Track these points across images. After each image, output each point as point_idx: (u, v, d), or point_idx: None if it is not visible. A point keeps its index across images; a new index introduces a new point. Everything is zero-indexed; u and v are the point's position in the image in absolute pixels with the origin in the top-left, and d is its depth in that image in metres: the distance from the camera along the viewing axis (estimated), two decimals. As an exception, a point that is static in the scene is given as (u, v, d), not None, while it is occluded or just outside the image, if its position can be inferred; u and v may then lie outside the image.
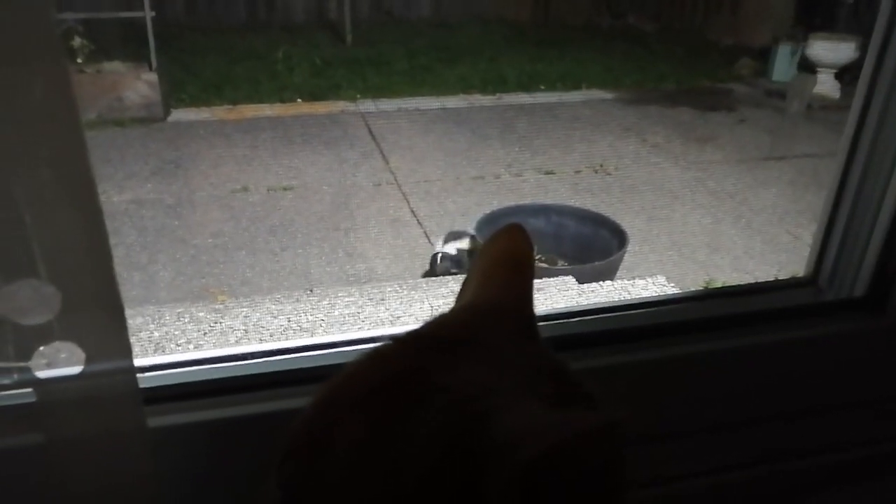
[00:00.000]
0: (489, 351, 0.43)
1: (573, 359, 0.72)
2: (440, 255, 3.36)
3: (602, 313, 0.78)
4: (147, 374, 0.63)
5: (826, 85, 6.44)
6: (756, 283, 0.85)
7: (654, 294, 1.95)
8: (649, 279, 2.08)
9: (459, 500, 0.36)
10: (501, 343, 0.44)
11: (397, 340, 0.44)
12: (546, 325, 0.75)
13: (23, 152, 0.48)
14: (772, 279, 3.72)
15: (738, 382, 0.78)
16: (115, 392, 0.53)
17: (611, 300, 1.88)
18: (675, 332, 0.76)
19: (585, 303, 1.87)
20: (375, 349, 0.43)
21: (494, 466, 0.34)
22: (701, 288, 3.63)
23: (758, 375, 0.79)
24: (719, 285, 3.63)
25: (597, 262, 3.30)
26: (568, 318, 0.78)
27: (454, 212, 4.26)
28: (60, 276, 0.46)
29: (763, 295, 0.84)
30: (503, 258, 0.49)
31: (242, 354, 0.67)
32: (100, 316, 0.49)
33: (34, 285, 0.45)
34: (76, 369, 0.50)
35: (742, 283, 3.68)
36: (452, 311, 0.49)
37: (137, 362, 0.61)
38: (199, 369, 0.64)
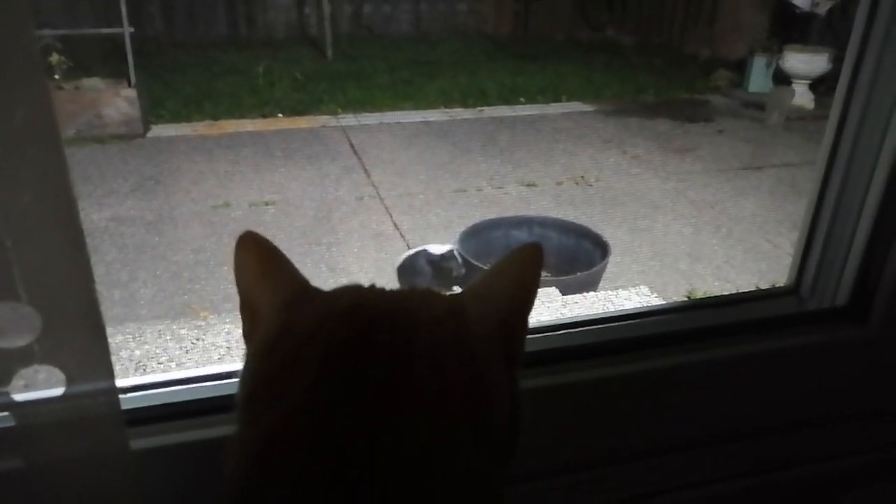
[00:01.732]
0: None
1: (557, 372, 0.73)
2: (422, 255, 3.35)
3: (584, 326, 0.78)
4: (129, 395, 0.62)
5: (801, 96, 6.55)
6: (738, 293, 0.86)
7: (638, 304, 1.96)
8: (632, 289, 2.09)
9: None
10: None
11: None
12: (529, 338, 0.75)
13: (3, 172, 0.47)
14: (753, 288, 3.75)
15: (721, 394, 0.78)
16: (97, 414, 0.52)
17: (594, 311, 1.89)
18: (659, 344, 0.77)
19: (569, 314, 1.87)
20: None
21: None
22: (684, 297, 3.66)
23: (741, 387, 0.79)
24: (701, 294, 3.66)
25: (580, 273, 3.31)
26: (550, 331, 0.78)
27: (437, 225, 4.26)
28: (41, 299, 0.45)
29: (746, 305, 0.84)
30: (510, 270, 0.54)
31: (226, 373, 0.66)
32: (81, 338, 0.48)
33: (14, 308, 0.44)
34: (57, 392, 0.49)
35: (724, 292, 3.71)
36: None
37: (119, 383, 0.60)
38: (183, 389, 0.63)
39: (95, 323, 0.50)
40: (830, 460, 0.82)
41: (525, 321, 0.54)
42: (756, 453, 0.80)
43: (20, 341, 0.45)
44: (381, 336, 0.46)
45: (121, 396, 0.56)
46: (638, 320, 0.79)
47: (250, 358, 0.50)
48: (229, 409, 0.49)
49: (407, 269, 3.41)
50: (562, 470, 0.72)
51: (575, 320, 0.78)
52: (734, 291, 3.71)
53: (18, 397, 0.51)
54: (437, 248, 3.39)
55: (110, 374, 0.52)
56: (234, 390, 0.50)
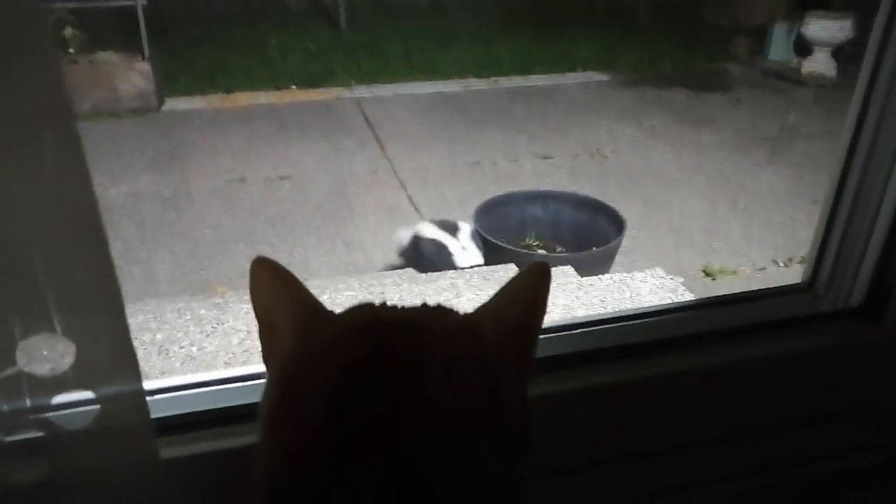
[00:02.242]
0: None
1: (563, 378, 0.73)
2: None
3: (593, 326, 0.78)
4: (158, 397, 0.64)
5: (822, 63, 6.42)
6: (752, 291, 0.85)
7: (653, 287, 1.96)
8: (648, 271, 2.09)
9: None
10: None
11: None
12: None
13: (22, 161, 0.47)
14: (769, 262, 3.73)
15: (736, 394, 0.79)
16: (126, 424, 0.53)
17: (609, 294, 1.90)
18: (670, 347, 0.77)
19: (584, 297, 1.88)
20: None
21: None
22: (699, 272, 3.65)
23: (754, 386, 0.79)
24: (717, 270, 3.65)
25: (595, 249, 3.31)
26: (558, 332, 0.78)
27: (452, 199, 4.25)
28: (74, 326, 0.47)
29: (759, 303, 0.84)
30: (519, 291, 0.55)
31: (254, 375, 0.67)
32: (114, 362, 0.50)
33: (50, 339, 0.46)
34: (89, 405, 0.50)
35: (740, 267, 3.70)
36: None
37: (148, 385, 0.62)
38: (212, 393, 0.64)
39: (126, 345, 0.51)
40: (843, 457, 0.82)
41: (535, 336, 0.56)
42: (768, 451, 0.80)
43: (55, 370, 0.46)
44: (395, 352, 0.47)
45: (149, 400, 0.57)
46: (649, 320, 0.79)
47: (271, 380, 0.52)
48: (254, 416, 0.51)
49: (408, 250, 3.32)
50: (572, 468, 0.73)
51: (582, 321, 0.78)
52: (749, 267, 3.70)
53: (52, 403, 0.53)
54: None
55: (139, 382, 0.53)
56: (257, 397, 0.52)
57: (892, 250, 0.80)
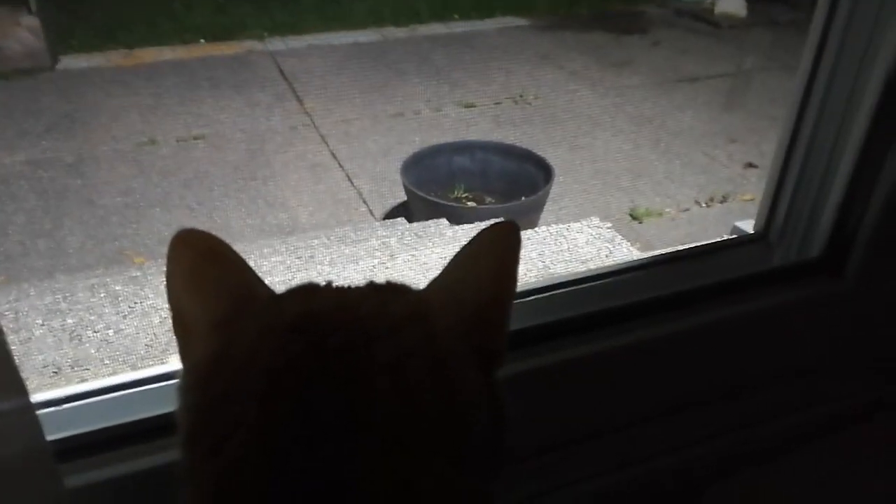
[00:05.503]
0: None
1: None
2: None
3: (530, 296, 0.71)
4: (52, 411, 0.54)
5: (733, 3, 6.52)
6: (704, 244, 0.80)
7: (590, 237, 1.94)
8: (583, 221, 2.06)
9: None
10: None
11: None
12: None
13: None
14: (692, 202, 3.80)
15: (693, 359, 0.74)
16: (13, 452, 0.44)
17: (546, 248, 1.86)
18: (621, 315, 0.70)
19: (522, 251, 1.83)
20: None
21: None
22: (626, 215, 3.69)
23: (711, 349, 0.75)
24: (643, 212, 3.69)
25: (524, 199, 3.29)
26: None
27: (376, 152, 4.15)
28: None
29: (709, 258, 0.79)
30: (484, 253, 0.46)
31: (163, 375, 0.58)
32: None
33: None
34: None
35: (665, 209, 3.75)
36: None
37: (44, 395, 0.53)
38: (125, 400, 0.55)
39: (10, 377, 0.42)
40: (804, 413, 0.80)
41: (505, 313, 0.46)
42: (728, 415, 0.77)
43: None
44: (333, 358, 0.39)
45: (41, 416, 0.48)
46: (593, 284, 0.72)
47: (185, 389, 0.43)
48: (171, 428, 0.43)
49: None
50: (533, 453, 0.68)
51: (521, 289, 0.70)
52: (674, 208, 3.77)
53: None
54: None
55: (28, 408, 0.44)
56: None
57: (854, 195, 0.74)
